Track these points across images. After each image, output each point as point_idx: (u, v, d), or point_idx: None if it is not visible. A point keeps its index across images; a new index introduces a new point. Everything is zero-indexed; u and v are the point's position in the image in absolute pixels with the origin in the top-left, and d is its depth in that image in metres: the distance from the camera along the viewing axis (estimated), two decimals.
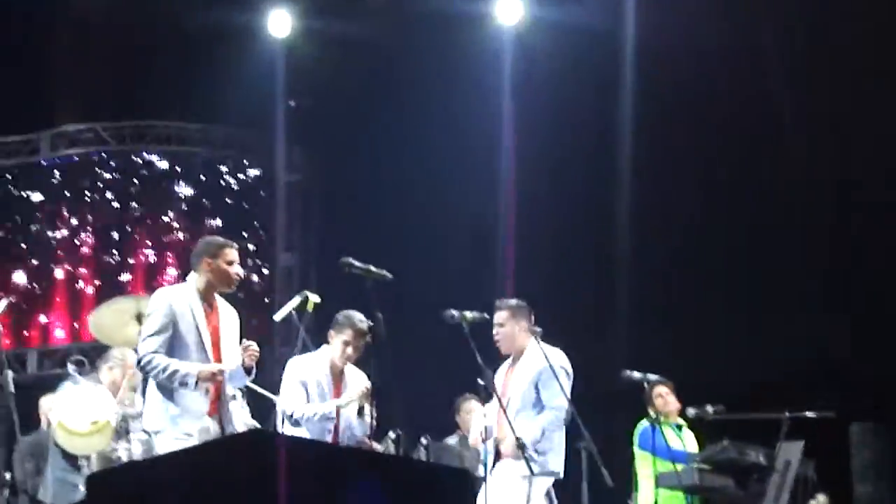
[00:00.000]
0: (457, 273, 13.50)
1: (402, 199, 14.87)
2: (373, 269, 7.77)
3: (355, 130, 15.46)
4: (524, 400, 8.57)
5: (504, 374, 8.84)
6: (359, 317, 8.51)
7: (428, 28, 14.26)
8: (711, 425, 10.15)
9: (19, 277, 16.79)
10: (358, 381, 8.57)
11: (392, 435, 9.05)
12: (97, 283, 16.58)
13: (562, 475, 8.71)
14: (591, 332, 13.78)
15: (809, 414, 9.87)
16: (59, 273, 16.74)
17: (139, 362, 7.49)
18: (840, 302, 13.42)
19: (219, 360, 7.60)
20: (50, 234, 16.87)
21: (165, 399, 7.46)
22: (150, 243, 16.78)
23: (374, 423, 8.44)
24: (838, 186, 13.47)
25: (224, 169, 17.09)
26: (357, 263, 7.73)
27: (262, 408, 8.99)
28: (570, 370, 8.77)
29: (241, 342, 7.66)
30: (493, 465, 8.50)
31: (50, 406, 9.17)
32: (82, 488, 7.99)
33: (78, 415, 8.52)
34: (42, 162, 16.87)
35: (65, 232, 16.83)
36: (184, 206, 16.91)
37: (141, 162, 16.89)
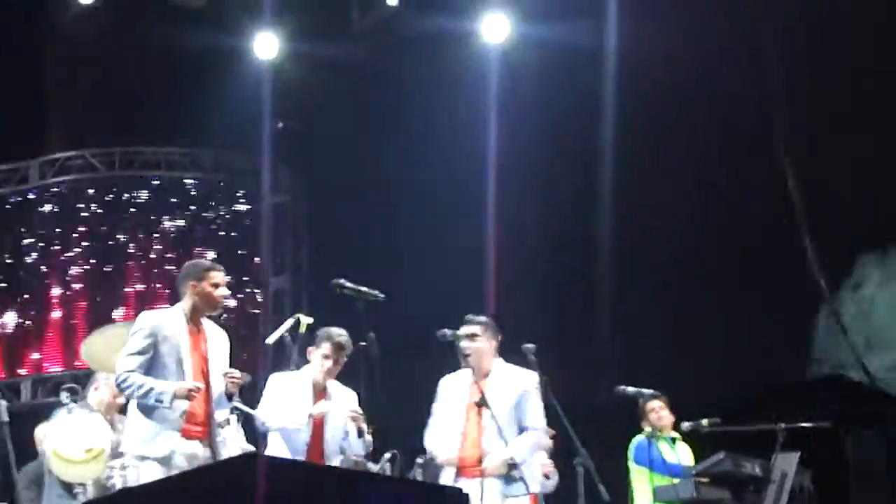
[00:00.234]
0: (447, 291, 13.49)
1: (390, 219, 14.89)
2: (364, 289, 7.79)
3: (343, 151, 15.48)
4: (509, 419, 8.54)
5: (468, 389, 8.79)
6: (336, 331, 8.52)
7: (414, 48, 14.30)
8: (707, 438, 10.15)
9: (9, 316, 16.72)
10: (343, 398, 8.56)
11: (388, 455, 9.05)
12: (88, 314, 16.49)
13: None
14: (583, 347, 13.79)
15: (805, 424, 9.88)
16: (51, 308, 16.68)
17: (117, 380, 7.52)
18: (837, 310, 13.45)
19: (206, 384, 7.60)
20: (41, 265, 16.80)
21: (141, 421, 7.47)
22: (140, 274, 16.71)
23: (370, 439, 8.46)
24: (834, 193, 13.50)
25: (214, 193, 17.06)
26: (348, 284, 7.74)
27: (255, 431, 8.96)
28: None
29: (230, 365, 7.67)
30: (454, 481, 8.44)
31: (44, 434, 9.15)
32: None
33: (72, 443, 8.52)
34: (31, 195, 16.83)
35: (55, 263, 16.76)
36: (173, 234, 16.86)
37: (131, 188, 16.84)
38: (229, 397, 7.59)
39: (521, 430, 8.53)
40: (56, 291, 16.65)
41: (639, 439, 10.19)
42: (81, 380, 10.12)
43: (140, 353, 7.51)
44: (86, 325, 16.09)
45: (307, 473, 6.21)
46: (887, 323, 13.31)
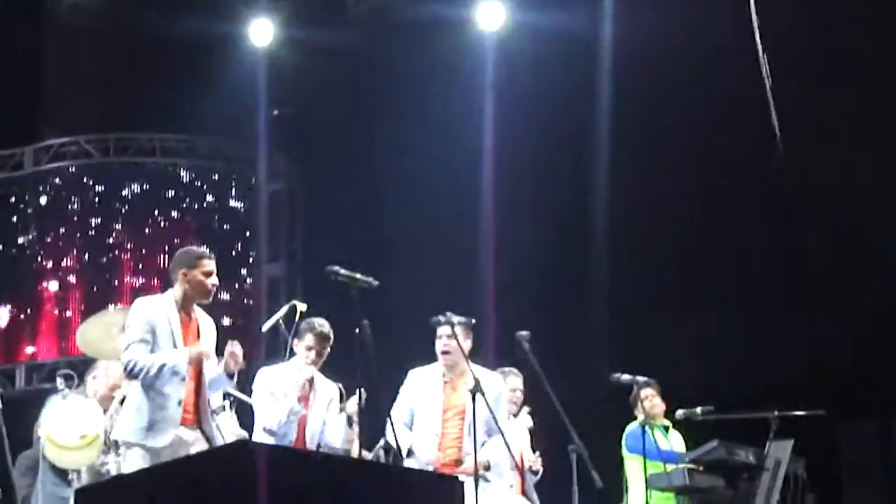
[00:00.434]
0: (442, 278, 13.49)
1: (386, 206, 14.88)
2: (358, 276, 7.77)
3: (338, 138, 15.46)
4: (488, 424, 8.58)
5: (441, 387, 8.82)
6: (319, 321, 8.55)
7: (410, 35, 14.28)
8: (700, 426, 10.17)
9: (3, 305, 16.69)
10: (327, 391, 8.57)
11: (382, 442, 9.06)
12: (82, 307, 16.43)
13: None
14: (577, 334, 13.80)
15: (798, 413, 9.89)
16: (46, 295, 16.64)
17: (126, 367, 7.49)
18: (832, 300, 13.45)
19: (197, 371, 7.62)
20: (36, 253, 16.77)
21: (139, 412, 7.48)
22: (134, 262, 16.67)
23: (355, 426, 8.48)
24: (829, 186, 13.50)
25: (209, 179, 17.03)
26: (342, 271, 7.73)
27: (248, 417, 8.96)
28: None
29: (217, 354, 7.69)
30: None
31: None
32: (72, 502, 7.97)
33: (67, 429, 8.52)
34: (25, 176, 16.80)
35: (51, 252, 16.73)
36: (168, 221, 16.83)
37: (125, 175, 16.81)
38: (230, 376, 7.59)
39: (488, 431, 8.57)
40: (50, 278, 16.62)
41: (632, 427, 10.22)
42: (76, 366, 10.12)
43: (142, 340, 7.52)
44: (80, 310, 16.09)
45: (302, 460, 6.21)
46: None
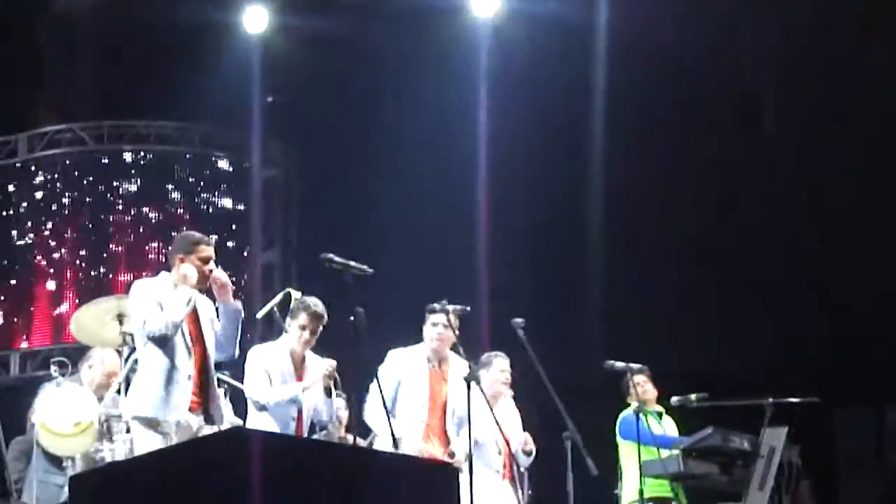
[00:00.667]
0: (437, 266, 13.49)
1: (380, 193, 14.87)
2: (352, 263, 7.77)
3: (333, 125, 15.44)
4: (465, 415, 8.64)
5: (427, 374, 8.83)
6: (313, 300, 8.56)
7: (404, 22, 14.25)
8: (695, 413, 10.17)
9: None
10: (320, 369, 8.56)
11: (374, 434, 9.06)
12: (77, 296, 16.39)
13: None
14: (572, 321, 13.81)
15: (793, 399, 9.89)
16: (39, 282, 16.61)
17: (150, 335, 7.45)
18: (825, 287, 13.47)
19: (201, 350, 7.63)
20: (29, 241, 16.73)
21: (152, 386, 7.47)
22: (127, 249, 16.64)
23: (340, 405, 8.50)
24: (820, 176, 13.52)
25: (204, 167, 17.00)
26: (337, 259, 7.73)
27: (243, 405, 8.96)
28: None
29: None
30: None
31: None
32: (66, 489, 7.96)
33: (61, 416, 8.50)
34: (18, 164, 16.76)
35: (45, 239, 16.69)
36: (162, 208, 16.80)
37: (119, 163, 16.78)
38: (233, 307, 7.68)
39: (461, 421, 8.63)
40: (44, 265, 16.60)
41: (626, 413, 10.22)
42: (71, 354, 10.11)
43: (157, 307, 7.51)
44: (75, 297, 16.07)
45: (297, 448, 6.22)
46: None
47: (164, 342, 7.46)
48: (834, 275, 13.42)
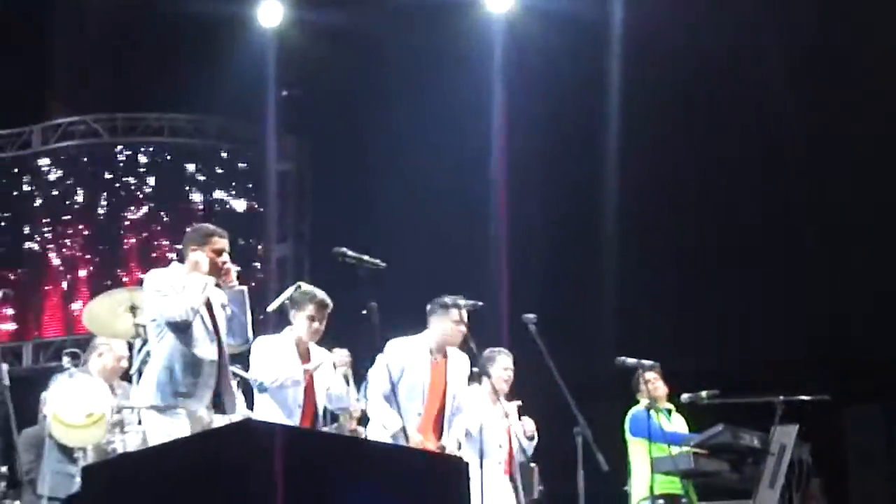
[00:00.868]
0: (450, 260, 13.50)
1: (394, 187, 14.87)
2: (366, 258, 7.77)
3: (347, 119, 15.46)
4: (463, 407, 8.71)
5: (428, 366, 8.86)
6: (319, 291, 8.55)
7: (418, 16, 14.26)
8: (706, 410, 10.17)
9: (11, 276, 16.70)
10: (321, 357, 8.58)
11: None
12: (91, 284, 16.43)
13: None
14: (584, 318, 13.81)
15: (804, 397, 9.89)
16: (52, 274, 16.65)
17: (170, 321, 7.47)
18: (835, 285, 13.45)
19: (219, 339, 7.63)
20: (43, 231, 16.76)
21: (172, 376, 7.48)
22: (139, 241, 16.67)
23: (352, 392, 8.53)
24: (832, 173, 13.50)
25: (218, 160, 17.03)
26: (350, 253, 7.73)
27: (251, 394, 8.98)
28: None
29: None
30: None
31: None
32: (78, 480, 7.99)
33: (73, 407, 8.51)
34: (33, 155, 16.81)
35: (58, 229, 16.73)
36: (175, 201, 16.82)
37: (133, 155, 16.81)
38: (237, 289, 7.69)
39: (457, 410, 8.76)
40: (56, 256, 16.64)
41: (636, 410, 10.22)
42: (83, 345, 10.14)
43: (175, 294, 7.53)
44: (87, 290, 16.10)
45: (308, 440, 6.22)
46: None
47: (184, 328, 7.44)
48: (845, 273, 13.41)
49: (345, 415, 9.01)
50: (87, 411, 8.49)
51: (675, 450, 9.78)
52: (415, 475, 5.94)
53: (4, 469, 8.54)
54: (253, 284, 16.13)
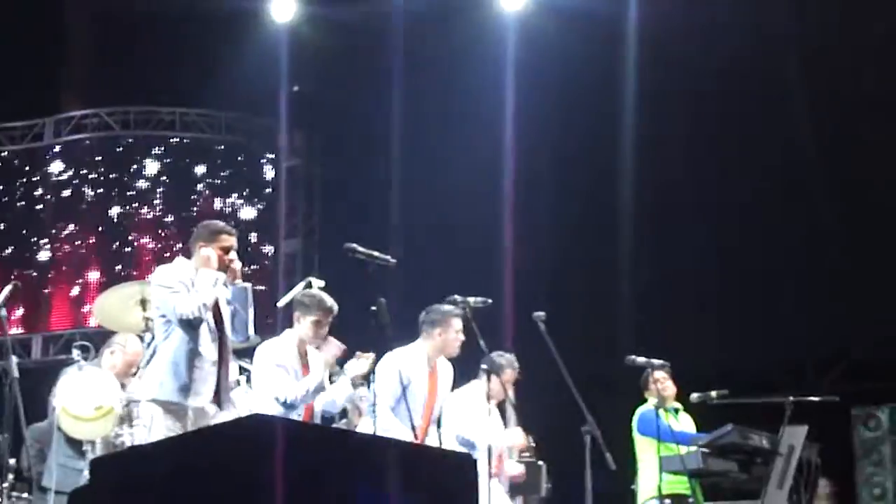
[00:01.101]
0: (459, 257, 13.49)
1: (405, 183, 14.87)
2: (376, 254, 7.77)
3: (358, 115, 15.46)
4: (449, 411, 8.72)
5: (427, 376, 8.85)
6: (326, 296, 8.50)
7: (430, 12, 14.25)
8: (715, 409, 10.15)
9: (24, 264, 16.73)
10: (326, 352, 8.57)
11: None
12: (102, 277, 16.44)
13: None
14: (594, 316, 13.79)
15: (813, 398, 9.87)
16: (64, 266, 16.67)
17: (180, 318, 7.46)
18: (847, 287, 13.43)
19: (221, 336, 7.63)
20: (56, 222, 16.78)
21: (176, 371, 7.48)
22: (150, 236, 16.68)
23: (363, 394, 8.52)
24: (845, 172, 13.48)
25: (229, 154, 17.04)
26: (360, 249, 7.72)
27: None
28: None
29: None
30: None
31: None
32: (86, 474, 7.99)
33: (82, 400, 8.52)
34: (46, 147, 16.83)
35: (71, 224, 16.75)
36: (185, 194, 16.84)
37: (145, 149, 16.83)
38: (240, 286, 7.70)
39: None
40: (68, 249, 16.66)
41: (645, 409, 10.21)
42: (93, 338, 10.15)
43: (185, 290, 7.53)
44: (97, 282, 16.13)
45: (318, 436, 6.21)
46: None
47: (197, 325, 7.45)
48: (855, 275, 13.38)
49: (353, 411, 9.01)
50: (96, 404, 8.50)
51: (683, 449, 9.76)
52: (422, 471, 5.94)
53: (13, 461, 8.55)
54: (253, 283, 16.14)
